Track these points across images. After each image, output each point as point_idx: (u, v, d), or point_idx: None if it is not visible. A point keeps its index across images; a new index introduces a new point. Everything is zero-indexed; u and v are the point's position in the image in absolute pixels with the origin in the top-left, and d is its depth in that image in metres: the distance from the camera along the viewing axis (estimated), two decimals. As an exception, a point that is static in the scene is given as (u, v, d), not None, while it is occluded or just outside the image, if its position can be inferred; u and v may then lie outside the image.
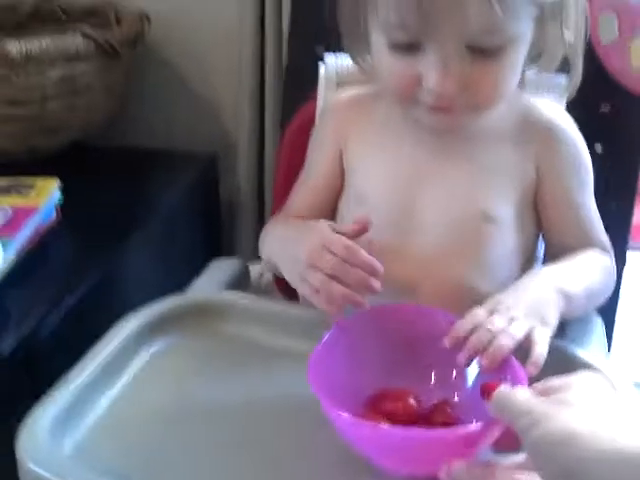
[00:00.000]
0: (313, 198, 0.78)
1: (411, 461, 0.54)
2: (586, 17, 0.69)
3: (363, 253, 0.61)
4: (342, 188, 0.77)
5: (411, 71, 0.64)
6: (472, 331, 0.58)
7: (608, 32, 0.83)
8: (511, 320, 0.59)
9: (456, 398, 0.60)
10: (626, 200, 0.90)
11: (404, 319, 0.63)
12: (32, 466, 0.53)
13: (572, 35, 0.68)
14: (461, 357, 0.58)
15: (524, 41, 0.65)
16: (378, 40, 0.66)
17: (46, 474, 0.53)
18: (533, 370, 0.56)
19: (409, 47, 0.63)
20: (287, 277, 0.68)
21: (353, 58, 0.74)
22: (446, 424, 0.57)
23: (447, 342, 0.59)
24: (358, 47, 0.71)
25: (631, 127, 0.88)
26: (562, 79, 0.77)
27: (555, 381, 0.51)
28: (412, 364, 0.61)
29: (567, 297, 0.64)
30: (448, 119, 0.67)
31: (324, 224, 0.66)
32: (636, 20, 0.82)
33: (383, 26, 0.64)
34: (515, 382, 0.54)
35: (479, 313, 0.60)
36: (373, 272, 0.61)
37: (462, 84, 0.63)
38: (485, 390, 0.52)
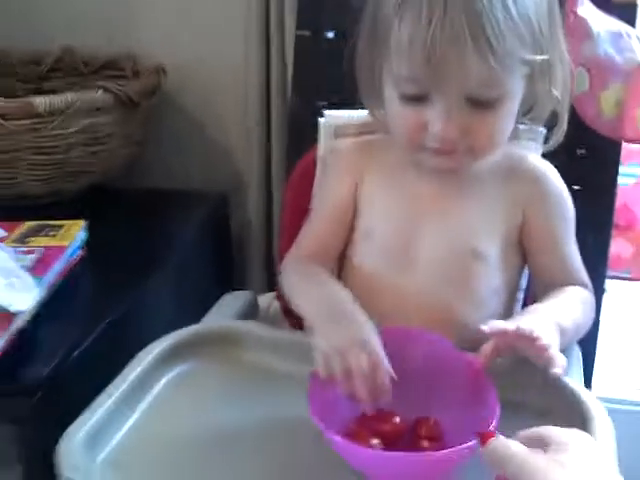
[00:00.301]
0: (326, 231, 0.84)
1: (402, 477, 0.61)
2: (571, 76, 0.78)
3: (384, 371, 0.65)
4: (351, 224, 0.84)
5: (419, 119, 0.72)
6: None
7: (581, 84, 0.91)
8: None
9: (436, 415, 0.66)
10: (603, 234, 0.96)
11: (396, 342, 0.69)
12: (69, 474, 0.60)
13: (559, 92, 0.76)
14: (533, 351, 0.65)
15: (517, 96, 0.73)
16: (391, 93, 0.74)
17: (80, 480, 0.60)
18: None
19: (418, 98, 0.72)
20: (314, 344, 0.68)
21: (369, 109, 0.82)
22: (430, 437, 0.64)
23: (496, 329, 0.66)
24: (373, 99, 0.79)
25: (605, 168, 0.95)
26: (541, 129, 0.85)
27: (551, 433, 0.54)
28: (401, 384, 0.67)
29: (562, 331, 0.70)
30: (450, 161, 0.75)
31: (366, 321, 0.69)
32: (605, 74, 0.91)
33: (396, 79, 0.73)
34: (489, 414, 0.60)
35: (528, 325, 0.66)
36: (381, 392, 0.65)
37: (463, 131, 0.71)
38: (481, 437, 0.54)
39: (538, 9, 0.70)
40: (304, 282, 0.79)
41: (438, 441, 0.64)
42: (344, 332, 0.67)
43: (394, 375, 0.65)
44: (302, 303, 0.77)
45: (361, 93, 0.80)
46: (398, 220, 0.80)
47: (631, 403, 1.33)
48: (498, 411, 0.61)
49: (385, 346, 0.68)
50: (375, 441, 0.63)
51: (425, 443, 0.64)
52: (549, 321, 0.70)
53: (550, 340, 0.66)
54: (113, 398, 0.68)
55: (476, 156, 0.75)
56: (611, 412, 0.67)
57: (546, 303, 0.75)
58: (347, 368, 0.64)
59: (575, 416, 0.66)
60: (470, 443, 0.56)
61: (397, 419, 0.66)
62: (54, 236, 1.00)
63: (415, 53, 0.68)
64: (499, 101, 0.71)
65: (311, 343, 0.68)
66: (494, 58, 0.67)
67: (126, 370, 0.72)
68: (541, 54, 0.71)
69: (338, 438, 0.59)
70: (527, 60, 0.70)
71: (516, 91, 0.73)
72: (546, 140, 0.84)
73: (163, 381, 0.74)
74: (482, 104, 0.71)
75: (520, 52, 0.69)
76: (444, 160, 0.75)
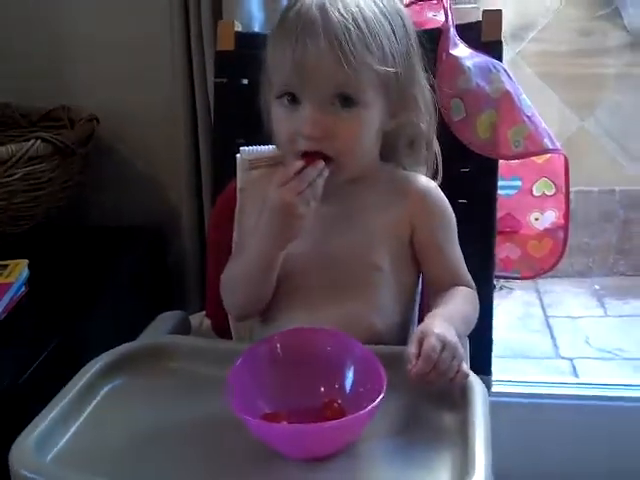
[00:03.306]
0: None
1: (308, 449, 0.71)
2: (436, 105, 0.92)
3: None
4: None
5: (293, 126, 0.85)
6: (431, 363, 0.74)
7: (458, 112, 1.04)
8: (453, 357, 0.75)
9: (339, 400, 0.77)
10: (488, 239, 1.07)
11: (301, 341, 0.80)
12: (21, 470, 0.68)
13: (424, 124, 0.91)
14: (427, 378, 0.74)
15: (374, 108, 0.86)
16: (275, 108, 0.87)
17: (32, 475, 0.68)
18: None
19: (292, 104, 0.85)
20: (271, 234, 0.85)
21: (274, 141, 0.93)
22: (335, 417, 0.73)
23: (412, 375, 0.74)
24: (269, 125, 0.91)
25: (486, 182, 1.07)
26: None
27: None
28: (309, 375, 0.78)
29: (458, 333, 0.80)
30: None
31: None
32: (478, 103, 1.04)
33: (275, 92, 0.86)
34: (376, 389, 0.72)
35: (434, 350, 0.74)
36: None
37: (326, 131, 0.83)
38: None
39: (391, 39, 0.85)
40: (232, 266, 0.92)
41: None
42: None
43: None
44: (240, 262, 0.90)
45: (266, 127, 0.92)
46: (307, 236, 0.89)
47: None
48: (384, 387, 0.71)
49: (293, 344, 0.79)
50: (285, 423, 0.74)
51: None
52: (449, 328, 0.78)
53: (457, 355, 0.76)
54: (58, 408, 0.76)
55: (343, 158, 0.85)
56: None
57: (442, 309, 0.85)
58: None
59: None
60: (356, 415, 0.68)
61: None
62: (0, 275, 1.09)
63: (285, 64, 0.83)
64: (357, 107, 0.84)
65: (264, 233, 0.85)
66: (345, 59, 0.81)
67: (69, 385, 0.80)
68: (392, 68, 0.84)
69: (251, 419, 0.70)
70: (376, 70, 0.83)
71: (373, 104, 0.85)
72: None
73: (103, 392, 0.82)
74: (343, 108, 0.83)
75: (369, 59, 0.82)
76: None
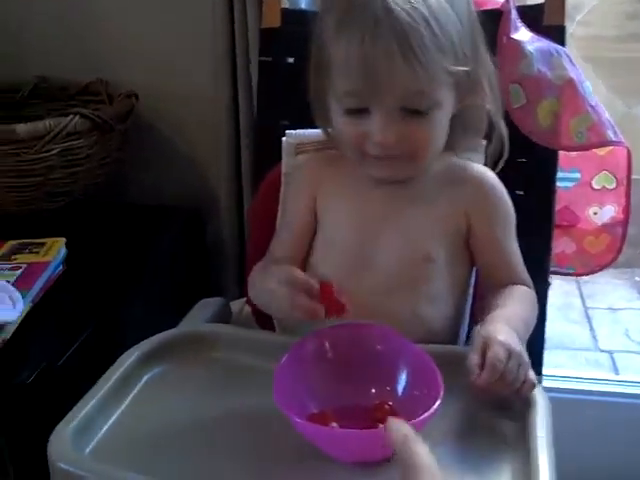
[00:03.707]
0: (292, 240, 0.91)
1: (357, 453, 0.68)
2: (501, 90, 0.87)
3: (299, 279, 0.76)
4: (316, 232, 0.91)
5: (360, 130, 0.81)
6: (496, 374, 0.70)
7: (517, 99, 0.99)
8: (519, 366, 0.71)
9: (391, 403, 0.73)
10: (545, 233, 1.03)
11: (351, 337, 0.76)
12: (59, 464, 0.66)
13: (491, 105, 0.85)
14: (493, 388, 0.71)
15: (446, 106, 0.81)
16: (336, 109, 0.83)
17: (70, 468, 0.66)
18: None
19: (358, 111, 0.80)
20: (277, 310, 0.82)
21: (322, 128, 0.90)
22: (385, 420, 0.71)
23: (477, 386, 0.71)
24: (323, 118, 0.88)
25: (544, 174, 1.02)
26: (483, 141, 0.93)
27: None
28: (357, 376, 0.75)
29: (520, 339, 0.76)
30: (391, 167, 0.83)
31: (284, 265, 0.81)
32: (539, 89, 0.99)
33: (338, 96, 0.81)
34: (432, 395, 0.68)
35: (500, 360, 0.70)
36: (311, 290, 0.75)
37: (399, 138, 0.79)
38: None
39: (458, 27, 0.79)
40: (256, 284, 0.88)
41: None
42: (269, 278, 0.80)
43: (315, 283, 0.75)
44: (255, 292, 0.87)
45: (313, 113, 0.88)
46: (354, 230, 0.87)
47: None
48: (441, 394, 0.68)
49: (343, 340, 0.75)
50: (334, 424, 0.70)
51: (381, 426, 0.71)
52: (512, 334, 0.74)
53: (523, 363, 0.72)
54: (97, 397, 0.74)
55: (414, 161, 0.83)
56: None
57: (503, 312, 0.80)
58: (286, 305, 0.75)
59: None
60: (413, 421, 0.64)
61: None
62: (37, 253, 1.07)
63: (352, 69, 0.77)
64: (430, 110, 0.79)
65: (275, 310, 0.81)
66: (420, 68, 0.76)
67: (107, 373, 0.78)
68: (464, 66, 0.79)
69: (299, 420, 0.66)
70: (451, 71, 0.79)
71: (445, 101, 0.81)
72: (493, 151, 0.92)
73: (143, 381, 0.80)
74: (415, 113, 0.79)
75: (443, 62, 0.77)
76: (386, 166, 0.83)
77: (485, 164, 0.92)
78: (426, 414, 0.65)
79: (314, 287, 0.75)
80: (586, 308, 2.11)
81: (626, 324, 2.02)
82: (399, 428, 0.57)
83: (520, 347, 0.73)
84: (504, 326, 0.75)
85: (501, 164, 0.92)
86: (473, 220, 0.87)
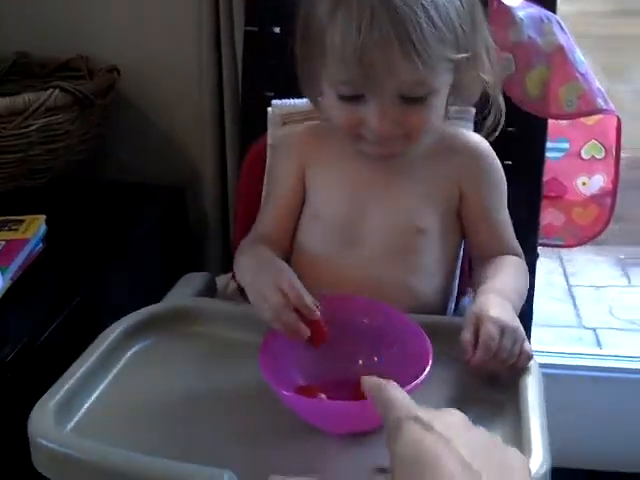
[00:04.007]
0: (278, 216, 0.89)
1: (348, 425, 0.67)
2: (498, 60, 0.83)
3: (304, 298, 0.72)
4: (303, 206, 0.89)
5: (356, 116, 0.78)
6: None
7: (507, 67, 0.97)
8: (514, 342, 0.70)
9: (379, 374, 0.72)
10: (534, 205, 1.02)
11: (338, 309, 0.75)
12: (40, 440, 0.64)
13: (488, 77, 0.82)
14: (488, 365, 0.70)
15: (444, 89, 0.79)
16: (328, 91, 0.80)
17: (51, 445, 0.64)
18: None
19: (353, 98, 0.77)
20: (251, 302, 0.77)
21: (310, 99, 0.87)
22: None
23: (471, 366, 0.70)
24: (313, 92, 0.85)
25: (533, 143, 1.01)
26: (472, 109, 0.91)
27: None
28: (342, 348, 0.73)
29: (515, 309, 0.76)
30: (387, 149, 0.81)
31: (284, 265, 0.78)
32: (529, 57, 0.97)
33: (331, 81, 0.78)
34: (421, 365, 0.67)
35: (493, 338, 0.69)
36: (310, 315, 0.71)
37: (397, 123, 0.77)
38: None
39: (459, 10, 0.75)
40: (247, 258, 0.85)
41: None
42: (265, 278, 0.75)
43: (317, 306, 0.72)
44: (242, 273, 0.83)
45: (300, 83, 0.85)
46: (343, 202, 0.85)
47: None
48: (430, 362, 0.67)
49: (328, 312, 0.73)
50: (322, 395, 0.69)
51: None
52: (505, 306, 0.74)
53: (518, 338, 0.71)
54: (80, 372, 0.73)
55: (411, 142, 0.81)
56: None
57: (496, 283, 0.79)
58: (271, 314, 0.72)
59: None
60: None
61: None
62: (16, 230, 1.04)
63: (347, 58, 0.73)
64: (427, 97, 0.77)
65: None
66: (420, 61, 0.72)
67: (91, 347, 0.77)
68: (465, 51, 0.76)
69: (287, 392, 0.65)
70: (451, 59, 0.76)
71: (443, 85, 0.78)
72: (483, 122, 0.89)
73: (127, 356, 0.79)
74: (412, 100, 0.76)
75: (444, 53, 0.74)
76: (381, 149, 0.81)
77: (475, 131, 0.90)
78: (415, 382, 0.63)
79: (307, 308, 0.72)
80: (569, 286, 2.11)
81: (609, 301, 2.03)
82: (373, 380, 0.56)
83: (515, 322, 0.72)
84: (496, 298, 0.74)
85: (494, 135, 0.90)
86: (465, 189, 0.86)
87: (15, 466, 0.74)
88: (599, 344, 1.86)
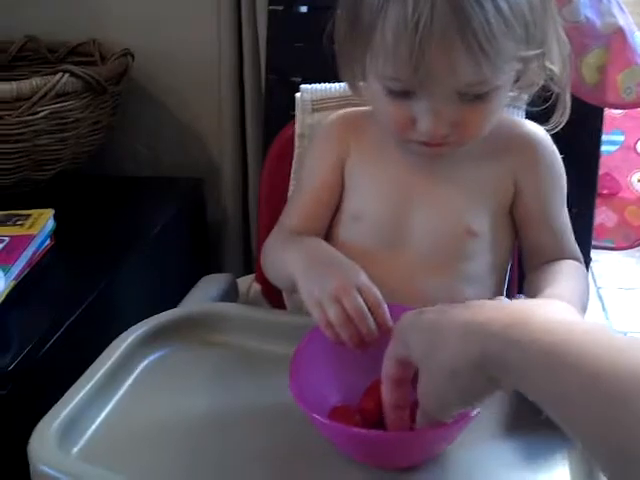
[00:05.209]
0: (311, 209, 0.80)
1: (385, 459, 0.58)
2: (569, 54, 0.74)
3: (386, 309, 0.64)
4: (339, 202, 0.80)
5: (405, 114, 0.69)
6: None
7: (560, 51, 0.89)
8: None
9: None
10: (587, 203, 0.94)
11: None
12: (42, 467, 0.57)
13: (557, 69, 0.73)
14: None
15: (508, 84, 0.70)
16: (375, 84, 0.70)
17: (54, 473, 0.56)
18: None
19: (403, 93, 0.68)
20: (303, 293, 0.67)
21: (349, 84, 0.78)
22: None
23: None
24: (353, 76, 0.75)
25: (588, 135, 0.94)
26: (525, 95, 0.82)
27: None
28: (379, 359, 0.63)
29: None
30: (439, 151, 0.72)
31: (362, 270, 0.67)
32: (584, 40, 0.89)
33: (380, 75, 0.69)
34: None
35: None
36: (385, 332, 0.63)
37: (452, 125, 0.68)
38: None
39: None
40: (287, 245, 0.76)
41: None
42: (338, 276, 0.65)
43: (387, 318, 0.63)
44: (286, 261, 0.73)
45: (339, 67, 0.75)
46: (388, 201, 0.77)
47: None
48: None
49: None
50: (357, 418, 0.61)
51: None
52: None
53: None
54: (86, 388, 0.65)
55: (466, 143, 0.72)
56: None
57: (556, 291, 0.70)
58: (340, 315, 0.62)
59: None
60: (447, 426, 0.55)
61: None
62: (22, 225, 0.98)
63: (401, 55, 0.64)
64: (489, 95, 0.68)
65: (301, 293, 0.66)
66: (486, 61, 0.64)
67: (99, 360, 0.69)
68: (536, 47, 0.67)
69: (319, 417, 0.56)
70: (521, 57, 0.67)
71: (508, 81, 0.70)
72: (545, 117, 0.80)
73: (139, 368, 0.71)
74: (471, 98, 0.67)
75: (514, 52, 0.65)
76: (432, 150, 0.72)
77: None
78: (466, 417, 0.55)
79: (385, 319, 0.63)
80: (597, 287, 2.01)
81: (639, 304, 1.93)
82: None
83: None
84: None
85: (555, 130, 0.81)
86: (521, 184, 0.77)
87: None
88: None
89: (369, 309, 0.63)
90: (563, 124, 0.76)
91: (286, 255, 0.74)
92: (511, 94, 0.76)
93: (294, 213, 0.81)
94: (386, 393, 0.57)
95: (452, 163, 0.76)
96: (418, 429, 0.57)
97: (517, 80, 0.72)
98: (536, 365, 0.44)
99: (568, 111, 0.76)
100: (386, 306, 0.64)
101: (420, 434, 0.57)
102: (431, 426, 0.55)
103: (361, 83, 0.75)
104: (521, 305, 0.51)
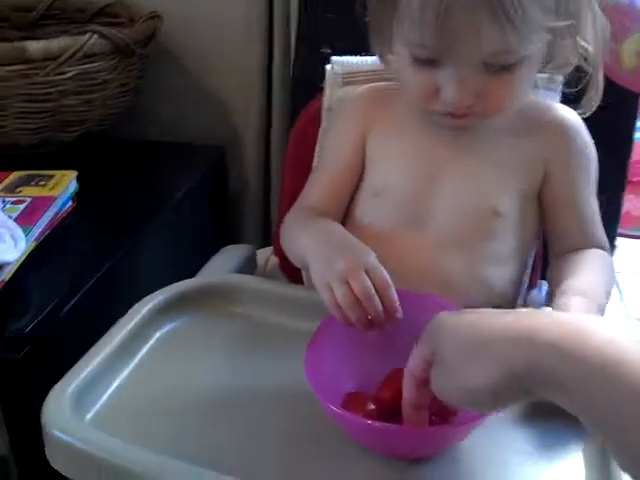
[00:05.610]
0: (332, 185, 0.79)
1: (397, 450, 0.58)
2: (604, 32, 0.72)
3: (394, 292, 0.63)
4: (360, 179, 0.79)
5: (430, 83, 0.68)
6: None
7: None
8: None
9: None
10: (617, 190, 0.92)
11: (406, 305, 0.64)
12: (55, 432, 0.57)
13: (591, 46, 0.71)
14: None
15: (537, 58, 0.68)
16: (402, 51, 0.69)
17: (67, 438, 0.56)
18: None
19: (429, 62, 0.67)
20: (313, 275, 0.67)
21: (379, 56, 0.77)
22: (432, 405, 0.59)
23: None
24: (383, 48, 0.74)
25: (621, 121, 0.90)
26: (560, 78, 0.80)
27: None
28: (397, 347, 0.62)
29: (599, 308, 0.66)
30: (462, 122, 0.71)
31: (372, 252, 0.66)
32: (625, 22, 0.85)
33: (406, 42, 0.68)
34: None
35: None
36: (392, 315, 0.63)
37: (477, 95, 0.67)
38: None
39: None
40: (304, 225, 0.75)
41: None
42: (347, 258, 0.64)
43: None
44: (301, 242, 0.72)
45: (370, 38, 0.74)
46: (412, 177, 0.76)
47: None
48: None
49: None
50: (372, 406, 0.60)
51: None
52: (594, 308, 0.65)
53: None
54: (102, 355, 0.65)
55: (491, 117, 0.71)
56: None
57: (579, 282, 0.69)
58: (348, 296, 0.62)
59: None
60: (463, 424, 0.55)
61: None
62: (44, 186, 0.97)
63: (426, 21, 0.63)
64: (517, 65, 0.66)
65: (311, 275, 0.66)
66: (511, 29, 0.62)
67: (116, 326, 0.69)
68: (566, 18, 0.65)
69: (330, 405, 0.56)
70: (549, 27, 0.65)
71: (536, 54, 0.67)
72: (577, 100, 0.78)
73: (156, 337, 0.71)
74: (498, 69, 0.66)
75: (542, 20, 0.63)
76: (457, 122, 0.71)
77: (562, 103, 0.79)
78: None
79: (393, 303, 0.62)
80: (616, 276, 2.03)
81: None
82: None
83: None
84: (582, 303, 0.64)
85: (587, 114, 0.79)
86: (551, 169, 0.75)
87: (31, 455, 0.67)
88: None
89: (377, 291, 0.62)
90: (595, 107, 0.74)
91: (302, 235, 0.73)
92: (545, 75, 0.74)
93: (315, 190, 0.80)
94: (407, 391, 0.56)
95: (480, 141, 0.74)
96: (435, 426, 0.56)
97: (550, 61, 0.70)
98: (592, 382, 0.42)
99: (600, 93, 0.73)
100: (394, 289, 0.63)
101: (437, 432, 0.56)
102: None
103: (390, 56, 0.74)
104: (577, 319, 0.48)
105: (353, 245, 0.68)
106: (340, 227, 0.73)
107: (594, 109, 0.75)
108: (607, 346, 0.43)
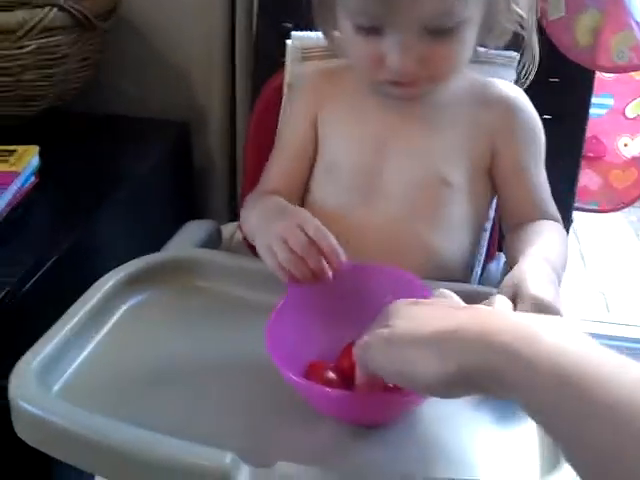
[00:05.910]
0: (289, 166, 0.81)
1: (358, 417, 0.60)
2: None
3: (331, 239, 0.65)
4: (315, 157, 0.81)
5: (375, 51, 0.69)
6: None
7: (556, 9, 0.88)
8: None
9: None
10: (572, 165, 0.94)
11: (354, 277, 0.67)
12: (21, 403, 0.57)
13: (524, 11, 0.73)
14: None
15: (475, 20, 0.70)
16: (345, 23, 0.70)
17: (33, 409, 0.57)
18: None
19: (372, 30, 0.68)
20: (257, 246, 0.69)
21: (323, 33, 0.78)
22: None
23: None
24: (327, 24, 0.76)
25: (577, 97, 0.93)
26: (515, 54, 0.82)
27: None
28: (359, 318, 0.64)
29: (558, 277, 0.67)
30: (410, 90, 0.72)
31: (306, 211, 0.69)
32: (581, -2, 0.88)
33: (347, 11, 0.69)
34: None
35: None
36: (334, 262, 0.64)
37: (421, 61, 0.68)
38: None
39: None
40: (254, 205, 0.77)
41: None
42: (283, 220, 0.67)
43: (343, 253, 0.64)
44: (251, 221, 0.75)
45: (315, 18, 0.76)
46: (361, 151, 0.77)
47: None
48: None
49: (347, 280, 0.66)
50: (331, 374, 0.62)
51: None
52: (548, 280, 0.64)
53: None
54: (68, 327, 0.66)
55: (436, 82, 0.73)
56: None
57: (538, 248, 0.70)
58: (288, 256, 0.64)
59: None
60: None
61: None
62: (6, 162, 0.96)
63: None
64: (457, 28, 0.68)
65: (257, 247, 0.68)
66: None
67: (82, 299, 0.70)
68: None
69: (293, 376, 0.57)
70: None
71: (474, 16, 0.69)
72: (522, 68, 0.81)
73: (121, 310, 0.72)
74: (438, 33, 0.67)
75: None
76: (404, 90, 0.72)
77: (516, 81, 0.81)
78: None
79: (333, 248, 0.64)
80: (580, 248, 2.07)
81: (619, 265, 1.99)
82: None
83: (556, 303, 0.61)
84: (539, 267, 0.65)
85: (528, 82, 0.81)
86: (498, 145, 0.77)
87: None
88: (608, 309, 1.82)
89: (315, 243, 0.64)
90: (533, 73, 0.77)
91: (251, 215, 0.76)
92: (496, 52, 0.76)
93: (273, 172, 0.82)
94: (358, 378, 0.58)
95: (429, 115, 0.76)
96: (386, 393, 0.58)
97: (489, 30, 0.72)
98: (544, 385, 0.42)
99: (537, 58, 0.76)
100: (332, 237, 0.65)
101: (388, 398, 0.58)
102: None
103: (335, 32, 0.75)
104: (527, 320, 0.48)
105: (289, 209, 0.70)
106: (282, 200, 0.75)
107: (532, 75, 0.77)
108: (563, 352, 0.43)
